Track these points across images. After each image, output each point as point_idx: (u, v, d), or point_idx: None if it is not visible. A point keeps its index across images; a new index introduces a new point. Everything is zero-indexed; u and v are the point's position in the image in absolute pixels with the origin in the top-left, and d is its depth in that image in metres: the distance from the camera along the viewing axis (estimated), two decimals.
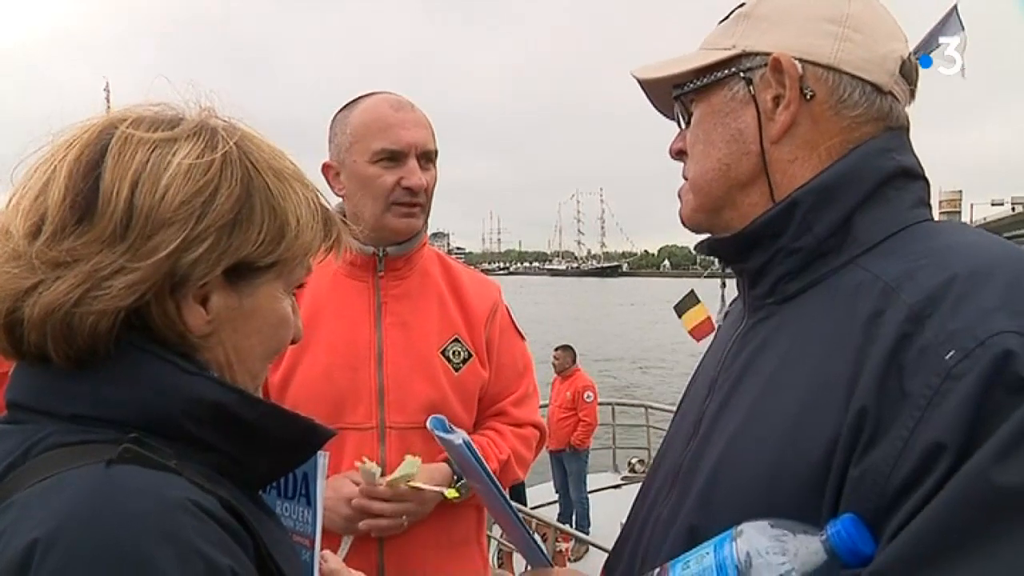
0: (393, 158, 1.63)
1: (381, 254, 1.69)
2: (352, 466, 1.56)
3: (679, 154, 0.99)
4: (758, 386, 0.86)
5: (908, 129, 0.91)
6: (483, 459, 1.10)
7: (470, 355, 1.72)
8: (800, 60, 0.87)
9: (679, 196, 1.00)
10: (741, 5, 0.94)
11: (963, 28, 6.18)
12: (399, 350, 1.66)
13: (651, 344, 32.06)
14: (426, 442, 1.51)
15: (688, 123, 0.97)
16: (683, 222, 1.00)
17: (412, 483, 1.53)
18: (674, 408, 1.15)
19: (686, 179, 0.98)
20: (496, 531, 5.10)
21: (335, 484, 1.54)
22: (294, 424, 0.80)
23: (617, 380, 22.08)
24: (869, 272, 0.80)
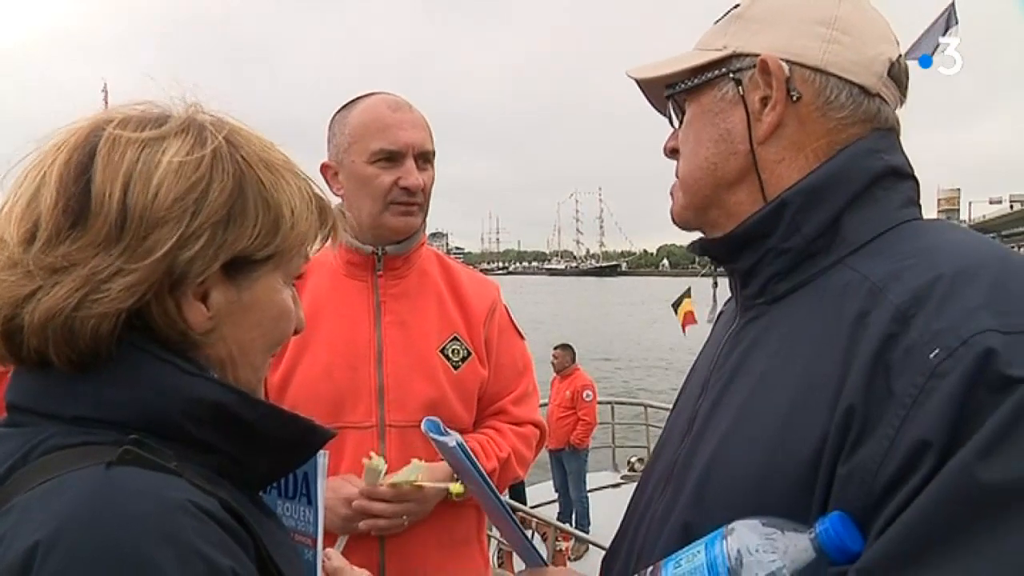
0: (391, 158, 1.64)
1: (380, 253, 1.70)
2: (353, 465, 1.57)
3: (672, 152, 1.00)
4: (749, 386, 0.87)
5: (898, 131, 0.91)
6: (477, 460, 1.11)
7: (469, 353, 1.72)
8: (788, 62, 0.87)
9: (671, 194, 1.01)
10: (736, 6, 0.95)
11: (957, 22, 6.16)
12: (398, 349, 1.67)
13: (650, 343, 31.97)
14: (426, 440, 1.52)
15: (682, 122, 0.98)
16: (673, 220, 1.01)
17: (415, 481, 1.53)
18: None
19: (678, 177, 0.99)
20: (496, 531, 5.10)
21: (334, 485, 1.54)
22: (294, 424, 0.80)
23: (616, 379, 22.04)
24: (857, 272, 0.81)
